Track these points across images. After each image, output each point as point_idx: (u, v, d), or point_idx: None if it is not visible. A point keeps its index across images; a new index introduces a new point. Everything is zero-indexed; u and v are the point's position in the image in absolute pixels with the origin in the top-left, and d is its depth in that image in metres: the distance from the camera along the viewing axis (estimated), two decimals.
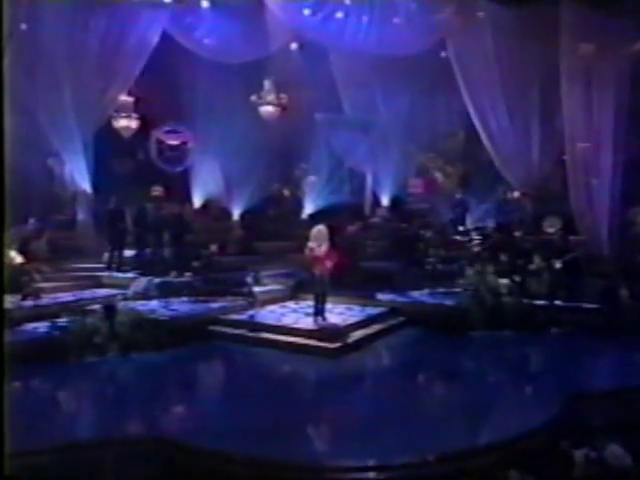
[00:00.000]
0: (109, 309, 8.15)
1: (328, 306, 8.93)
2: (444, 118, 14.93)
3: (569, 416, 5.58)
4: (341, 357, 7.56)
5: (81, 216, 13.06)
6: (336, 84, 14.98)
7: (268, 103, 14.16)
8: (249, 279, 10.46)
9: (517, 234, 11.43)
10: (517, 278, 9.75)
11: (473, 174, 14.16)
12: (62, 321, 7.84)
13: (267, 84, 14.34)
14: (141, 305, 9.28)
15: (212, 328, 8.74)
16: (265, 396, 6.29)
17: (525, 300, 9.24)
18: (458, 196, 13.51)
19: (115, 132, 14.99)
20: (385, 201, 15.31)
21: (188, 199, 15.50)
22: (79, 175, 13.19)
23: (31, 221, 11.57)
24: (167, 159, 16.08)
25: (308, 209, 15.33)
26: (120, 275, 10.94)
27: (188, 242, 12.51)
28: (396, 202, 14.97)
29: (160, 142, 16.00)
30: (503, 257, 10.16)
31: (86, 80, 13.18)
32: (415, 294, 10.42)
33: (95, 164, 13.05)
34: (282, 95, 14.57)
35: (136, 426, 5.63)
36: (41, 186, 13.42)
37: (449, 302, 9.59)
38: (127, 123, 15.02)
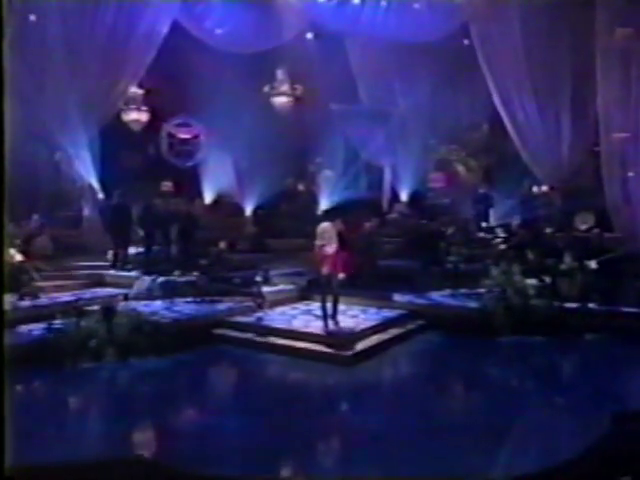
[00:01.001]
0: (107, 310, 7.70)
1: (341, 307, 8.36)
2: (467, 108, 14.35)
3: (611, 438, 4.90)
4: (355, 366, 6.97)
5: (87, 212, 12.77)
6: (352, 73, 14.55)
7: (281, 94, 13.65)
8: (258, 278, 9.96)
9: (546, 231, 10.65)
10: (547, 279, 9.03)
11: (497, 167, 13.48)
12: (57, 323, 7.38)
13: (280, 74, 13.81)
14: (143, 306, 8.86)
15: (217, 331, 8.25)
16: (272, 410, 5.77)
17: (556, 303, 8.53)
18: (481, 191, 12.81)
19: (124, 125, 14.63)
20: (404, 196, 14.88)
21: (199, 195, 15.21)
22: (86, 170, 12.92)
23: (34, 217, 11.21)
24: (178, 153, 15.71)
25: (323, 205, 14.89)
26: (124, 274, 10.51)
27: (197, 239, 12.08)
28: (415, 197, 14.49)
29: (171, 136, 15.63)
30: (531, 256, 9.43)
31: (94, 72, 12.91)
32: (435, 295, 9.80)
33: (103, 159, 12.81)
34: (296, 85, 13.96)
35: (126, 445, 5.11)
36: (46, 181, 13.14)
37: (473, 304, 8.93)
38: (137, 116, 14.66)
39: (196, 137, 15.58)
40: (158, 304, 9.11)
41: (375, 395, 6.30)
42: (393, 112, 14.70)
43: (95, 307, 8.01)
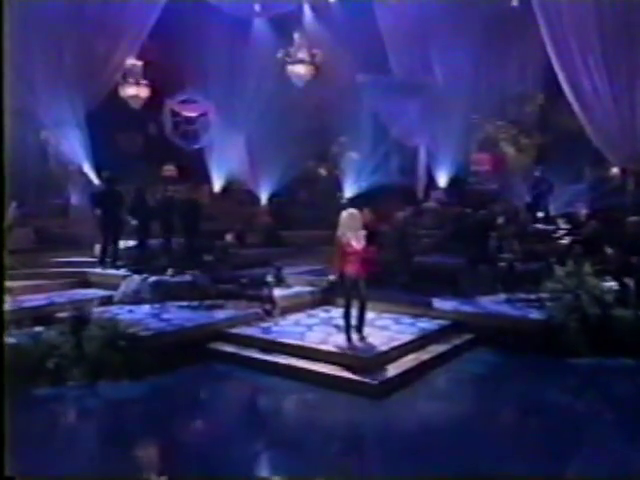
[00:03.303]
0: (76, 320, 6.43)
1: (369, 316, 6.90)
2: (516, 77, 12.81)
3: None
4: (385, 398, 5.52)
5: (75, 200, 11.70)
6: (381, 39, 13.38)
7: (299, 61, 12.20)
8: (269, 278, 8.68)
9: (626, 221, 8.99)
10: (629, 281, 7.41)
11: (555, 147, 11.94)
12: (12, 335, 6.12)
13: (297, 38, 12.40)
14: (127, 312, 7.68)
15: (213, 346, 6.92)
16: (273, 458, 4.40)
17: None
18: (538, 174, 11.19)
19: (122, 102, 13.56)
20: (442, 181, 13.68)
21: (206, 180, 14.37)
22: (76, 152, 12.04)
23: (12, 205, 10.04)
24: (183, 134, 14.86)
25: (348, 191, 14.20)
26: (111, 272, 9.27)
27: (203, 231, 10.98)
28: (456, 182, 13.30)
29: (175, 114, 14.67)
30: (609, 252, 7.84)
31: (88, 41, 12.02)
32: (486, 301, 8.32)
33: (97, 140, 11.92)
34: (315, 51, 12.52)
35: None
36: (30, 164, 12.04)
37: (535, 314, 7.37)
38: (136, 91, 13.60)
39: (203, 115, 14.60)
40: (146, 309, 7.88)
41: (410, 441, 4.79)
42: (428, 83, 13.49)
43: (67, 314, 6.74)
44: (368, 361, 6.02)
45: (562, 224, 9.77)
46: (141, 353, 6.16)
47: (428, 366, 6.36)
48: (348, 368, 5.92)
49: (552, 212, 10.56)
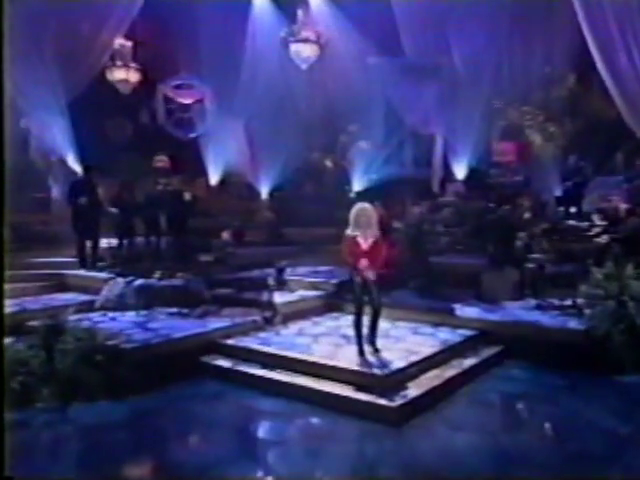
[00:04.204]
0: (50, 329, 5.90)
1: (382, 325, 6.31)
2: (544, 57, 12.13)
3: None
4: (404, 424, 4.94)
5: (58, 194, 11.24)
6: (394, 17, 12.88)
7: (303, 40, 11.66)
8: (270, 281, 8.20)
9: None
10: None
11: (588, 134, 11.43)
12: None
13: (301, 15, 11.86)
14: (110, 320, 7.20)
15: (206, 360, 6.39)
16: None
17: None
18: (572, 164, 10.56)
19: (110, 87, 13.25)
20: (460, 173, 13.17)
21: (202, 173, 14.13)
22: (61, 141, 11.63)
23: None
24: (177, 122, 14.62)
25: (357, 185, 13.93)
26: (93, 274, 8.76)
27: (198, 228, 10.53)
28: (476, 174, 12.74)
29: (168, 100, 14.36)
30: None
31: (71, 19, 11.63)
32: (514, 308, 7.76)
33: (83, 128, 11.66)
34: (320, 30, 11.98)
35: None
36: (10, 154, 11.58)
37: (572, 323, 6.80)
38: (125, 75, 13.29)
39: (199, 102, 14.28)
40: (130, 317, 7.37)
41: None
42: (445, 66, 13.06)
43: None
44: (384, 380, 5.44)
45: (597, 220, 9.15)
46: (122, 369, 5.62)
47: (453, 385, 5.78)
48: (359, 387, 5.37)
49: (585, 207, 9.96)
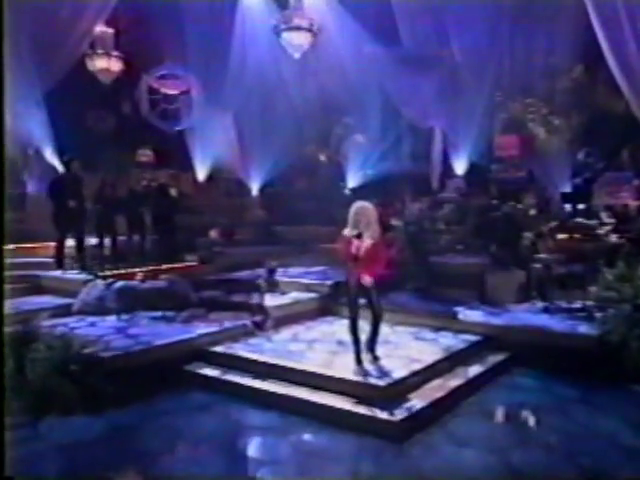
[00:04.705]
0: (20, 337, 5.61)
1: (382, 330, 6.05)
2: (548, 47, 12.07)
3: None
4: (407, 440, 4.69)
5: (33, 189, 10.94)
6: (391, 4, 12.68)
7: (295, 28, 11.40)
8: (261, 282, 7.93)
9: None
10: None
11: (595, 127, 11.19)
12: None
13: (293, 0, 11.56)
14: (88, 325, 6.92)
15: (191, 369, 6.13)
16: None
17: None
18: (582, 159, 10.37)
19: (90, 76, 12.95)
20: (460, 169, 13.09)
21: (188, 167, 13.90)
22: (37, 134, 11.29)
23: None
24: (162, 114, 14.21)
25: (352, 180, 13.98)
26: (70, 276, 8.47)
27: (185, 227, 10.36)
28: (477, 170, 12.67)
29: (153, 91, 14.01)
30: None
31: (48, 3, 11.22)
32: (520, 311, 7.57)
33: (61, 119, 11.40)
34: (314, 17, 11.74)
35: None
36: None
37: (584, 328, 6.59)
38: (106, 64, 12.99)
39: (185, 92, 13.95)
40: (110, 322, 7.09)
41: None
42: (445, 56, 12.84)
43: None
44: (384, 391, 5.18)
45: (606, 218, 8.97)
46: (99, 380, 5.34)
47: (457, 395, 5.54)
48: (359, 399, 5.11)
49: (595, 204, 9.79)
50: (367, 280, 5.45)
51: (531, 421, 5.40)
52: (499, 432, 5.19)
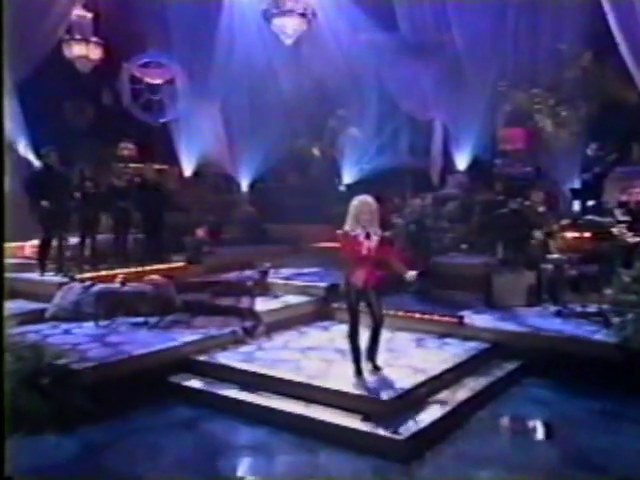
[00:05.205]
0: None
1: (383, 336, 5.78)
2: (555, 33, 11.88)
3: None
4: (413, 461, 4.42)
5: (7, 185, 10.54)
6: None
7: (287, 12, 11.23)
8: (251, 285, 7.68)
9: None
10: None
11: (605, 119, 10.97)
12: None
13: None
14: (63, 332, 6.66)
15: (175, 380, 5.85)
16: None
17: None
18: (592, 153, 10.23)
19: (68, 64, 12.82)
20: (462, 163, 12.91)
21: (174, 162, 13.81)
22: (9, 126, 10.96)
23: None
24: (145, 105, 14.10)
25: (347, 176, 13.94)
26: (46, 278, 8.21)
27: (169, 225, 10.32)
28: (480, 164, 12.51)
29: (135, 80, 13.88)
30: None
31: None
32: (530, 315, 7.34)
33: (37, 110, 11.19)
34: (307, 1, 11.54)
35: None
36: None
37: (600, 335, 6.37)
38: (85, 50, 12.85)
39: (170, 82, 13.84)
40: (87, 329, 6.82)
41: None
42: (445, 44, 12.63)
43: None
44: (387, 405, 4.91)
45: (620, 215, 8.78)
46: (73, 394, 5.08)
47: (466, 409, 5.27)
48: (360, 414, 4.83)
49: (608, 200, 9.63)
50: (371, 279, 5.23)
51: (551, 437, 5.14)
52: (513, 450, 4.92)
